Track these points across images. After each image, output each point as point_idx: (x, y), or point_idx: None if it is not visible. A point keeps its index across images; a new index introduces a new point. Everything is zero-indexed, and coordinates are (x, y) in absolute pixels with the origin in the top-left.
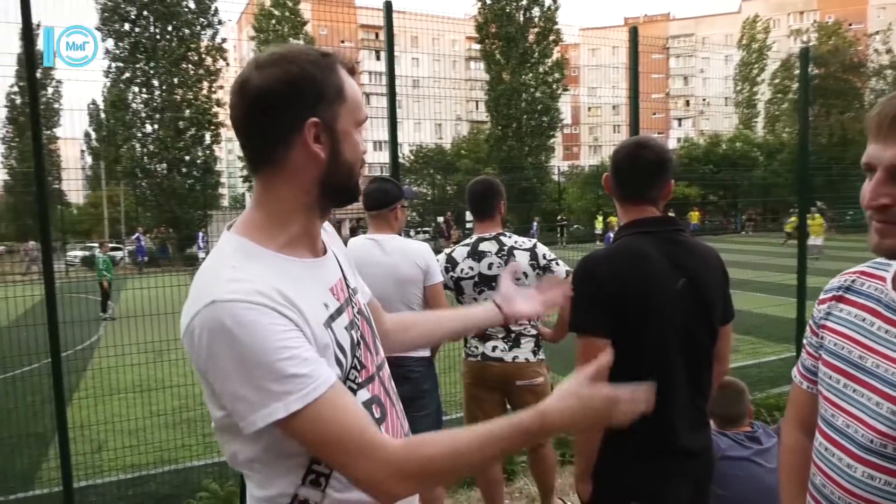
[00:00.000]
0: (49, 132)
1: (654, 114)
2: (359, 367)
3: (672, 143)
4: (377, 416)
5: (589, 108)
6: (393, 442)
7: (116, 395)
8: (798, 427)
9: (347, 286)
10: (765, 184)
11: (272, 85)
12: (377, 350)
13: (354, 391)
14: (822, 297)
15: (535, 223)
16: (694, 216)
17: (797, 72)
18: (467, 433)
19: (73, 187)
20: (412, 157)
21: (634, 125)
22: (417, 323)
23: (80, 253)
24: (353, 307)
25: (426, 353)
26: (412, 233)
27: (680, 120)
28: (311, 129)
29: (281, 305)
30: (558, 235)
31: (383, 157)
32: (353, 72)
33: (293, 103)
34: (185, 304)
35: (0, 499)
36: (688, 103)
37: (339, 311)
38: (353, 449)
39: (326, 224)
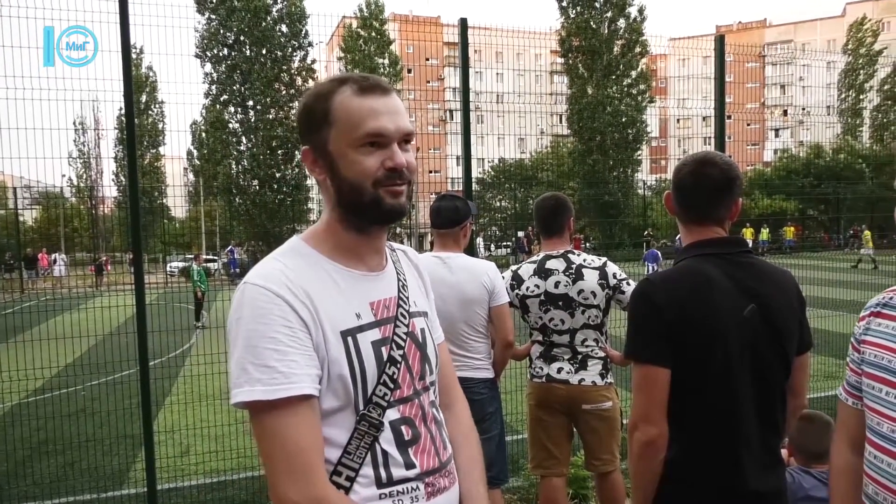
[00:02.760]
0: (154, 151)
1: (749, 124)
2: (390, 386)
3: (768, 155)
4: (407, 437)
5: (678, 120)
6: (321, 482)
7: (204, 402)
8: (847, 446)
9: (401, 307)
10: (872, 197)
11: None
12: (423, 375)
13: (383, 408)
14: (861, 314)
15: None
16: (789, 232)
17: None
18: None
19: (177, 203)
20: (493, 172)
21: (720, 137)
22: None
23: (179, 264)
24: (397, 326)
25: (490, 373)
26: (492, 247)
27: (777, 130)
28: (307, 156)
29: (299, 302)
30: (644, 251)
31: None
32: (369, 90)
33: (300, 134)
34: None
35: (92, 496)
36: (785, 113)
37: (371, 325)
38: (276, 463)
39: (410, 251)
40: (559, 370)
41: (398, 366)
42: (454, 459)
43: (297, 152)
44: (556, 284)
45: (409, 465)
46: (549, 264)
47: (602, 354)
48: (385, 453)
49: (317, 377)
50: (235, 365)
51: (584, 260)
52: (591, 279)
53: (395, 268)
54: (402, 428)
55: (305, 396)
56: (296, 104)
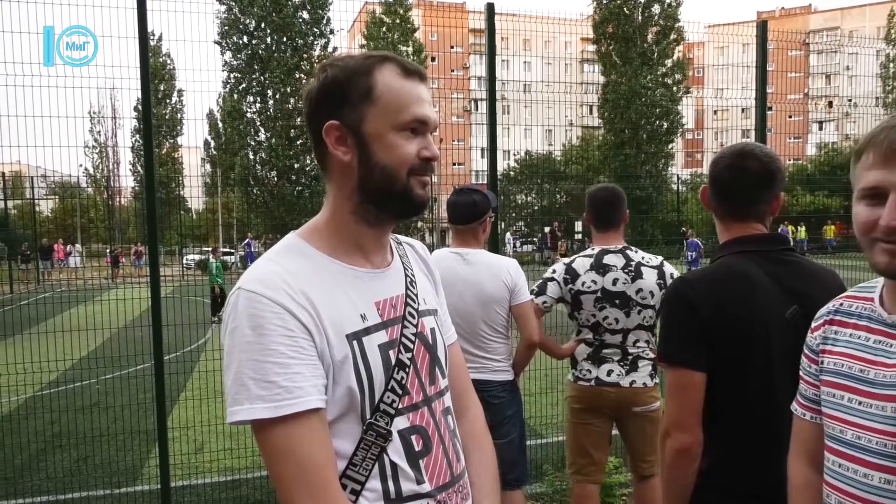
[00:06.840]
0: (172, 141)
1: (791, 116)
2: (398, 392)
3: (811, 149)
4: (417, 448)
5: (715, 112)
6: (341, 499)
7: (219, 398)
8: (805, 461)
9: (409, 305)
10: None
11: (311, 91)
12: (434, 380)
13: (391, 416)
14: (813, 325)
15: None
16: (830, 230)
17: None
18: None
19: (194, 194)
20: (519, 166)
21: (761, 130)
22: (471, 461)
23: (196, 257)
24: (405, 327)
25: (509, 375)
26: (518, 244)
27: (821, 123)
28: (331, 131)
29: (299, 307)
30: (679, 250)
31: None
32: (412, 74)
33: (321, 107)
34: None
35: (105, 492)
36: (830, 104)
37: (378, 327)
38: (291, 482)
39: (418, 245)
40: (609, 372)
41: (406, 370)
42: (466, 470)
43: None
44: (615, 281)
45: (420, 480)
46: (607, 259)
47: (652, 356)
48: (394, 465)
49: (323, 387)
50: (233, 380)
51: (643, 258)
52: (650, 278)
53: (403, 262)
54: (413, 438)
55: (313, 410)
56: None
